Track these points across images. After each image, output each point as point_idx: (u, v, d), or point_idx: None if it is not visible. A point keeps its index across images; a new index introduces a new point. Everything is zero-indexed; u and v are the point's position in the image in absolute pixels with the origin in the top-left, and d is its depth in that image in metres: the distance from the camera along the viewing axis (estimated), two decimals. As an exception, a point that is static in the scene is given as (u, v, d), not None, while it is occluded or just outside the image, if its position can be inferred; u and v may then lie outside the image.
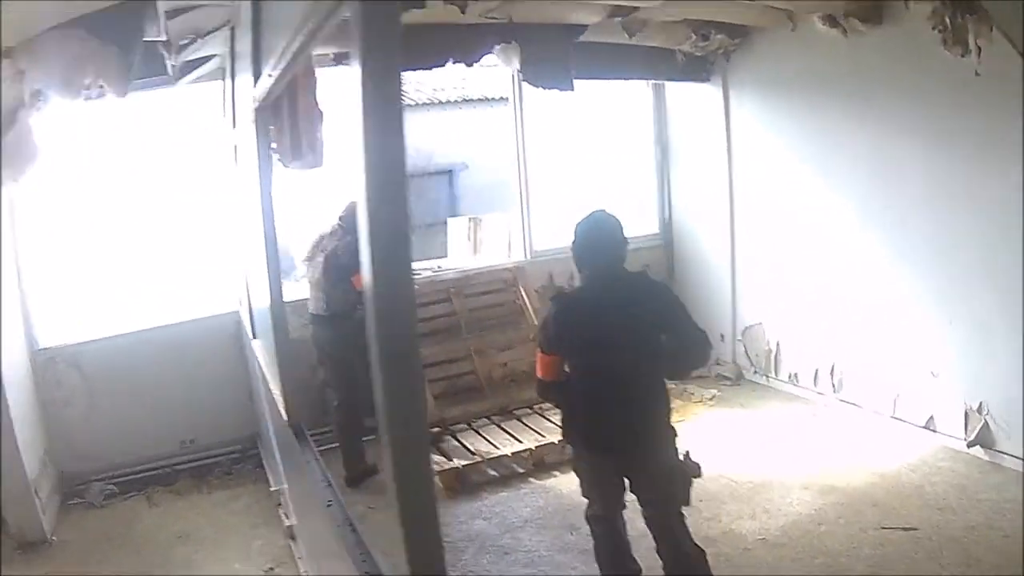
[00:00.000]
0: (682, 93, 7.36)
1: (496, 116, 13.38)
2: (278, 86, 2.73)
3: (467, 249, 11.60)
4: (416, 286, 5.77)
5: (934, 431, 5.31)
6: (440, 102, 17.67)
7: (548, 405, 5.10)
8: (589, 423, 3.45)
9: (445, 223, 13.78)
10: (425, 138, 17.11)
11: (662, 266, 7.67)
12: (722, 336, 7.16)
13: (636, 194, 7.97)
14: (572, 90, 6.08)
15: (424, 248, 15.72)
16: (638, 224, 7.76)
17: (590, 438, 3.48)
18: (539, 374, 3.52)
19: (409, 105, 17.50)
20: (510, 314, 6.67)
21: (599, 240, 3.45)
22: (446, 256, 12.17)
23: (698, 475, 3.41)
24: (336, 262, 5.17)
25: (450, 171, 18.13)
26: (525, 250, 7.10)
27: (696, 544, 3.46)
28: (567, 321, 3.43)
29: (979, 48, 4.43)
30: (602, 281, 3.44)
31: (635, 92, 7.65)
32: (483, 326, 6.53)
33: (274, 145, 3.92)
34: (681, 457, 3.41)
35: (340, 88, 4.96)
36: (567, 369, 3.48)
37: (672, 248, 7.74)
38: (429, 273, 6.84)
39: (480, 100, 17.37)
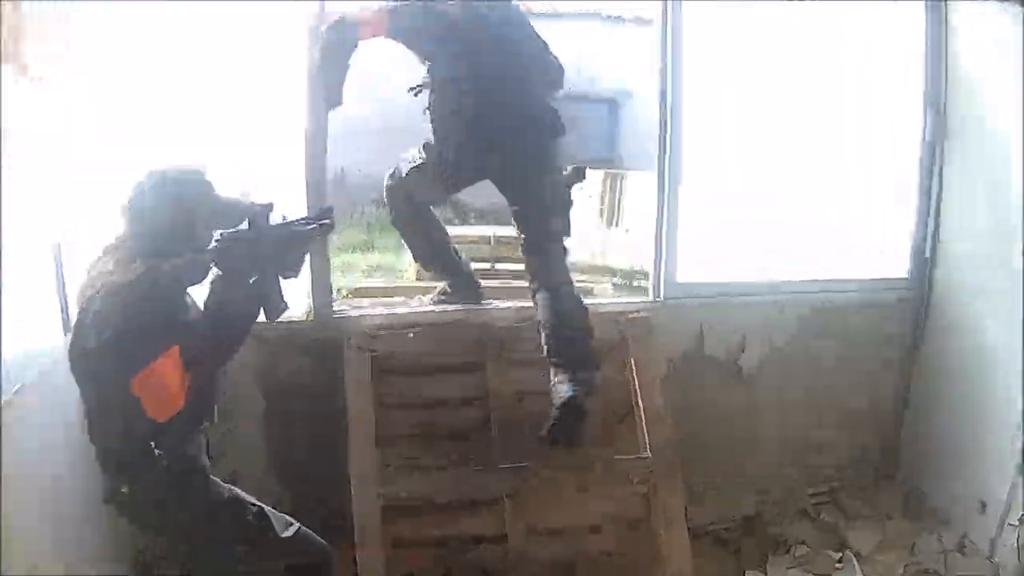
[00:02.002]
0: (984, 20, 3.77)
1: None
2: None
3: (596, 220, 8.35)
4: (412, 333, 3.28)
5: None
6: (611, 16, 14.17)
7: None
8: None
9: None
10: (589, 56, 13.79)
11: (899, 335, 4.20)
12: (982, 505, 3.77)
13: (870, 198, 4.38)
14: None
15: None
16: (863, 257, 4.26)
17: None
18: None
19: (568, 15, 14.24)
20: (598, 418, 3.35)
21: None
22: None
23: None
24: (85, 338, 2.07)
25: (611, 100, 14.78)
26: (657, 281, 3.73)
27: None
28: None
29: None
30: None
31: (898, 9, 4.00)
32: (538, 438, 3.15)
33: None
34: None
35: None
36: None
37: (927, 308, 4.13)
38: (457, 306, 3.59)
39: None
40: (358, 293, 4.03)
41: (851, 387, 4.21)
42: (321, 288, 3.17)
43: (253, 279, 2.26)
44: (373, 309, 3.38)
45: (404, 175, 3.26)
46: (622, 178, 8.09)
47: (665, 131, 3.65)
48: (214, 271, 2.21)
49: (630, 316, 3.48)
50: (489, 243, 7.30)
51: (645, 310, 3.59)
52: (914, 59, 4.04)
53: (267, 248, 2.25)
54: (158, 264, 2.09)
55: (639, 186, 7.75)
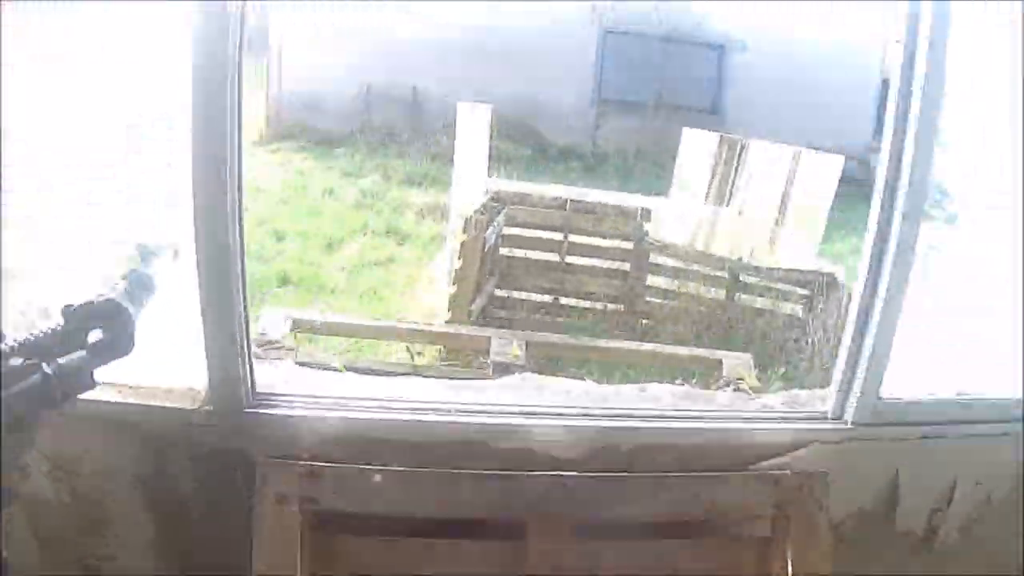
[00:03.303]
0: None
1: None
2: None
3: (705, 191, 7.11)
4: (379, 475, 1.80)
5: None
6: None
7: None
8: None
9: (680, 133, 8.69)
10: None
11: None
12: None
13: None
14: None
15: (645, 157, 10.63)
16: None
17: None
18: None
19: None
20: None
21: None
22: (666, 194, 7.58)
23: None
24: None
25: (720, 47, 13.24)
26: (846, 393, 2.02)
27: None
28: None
29: None
30: None
31: None
32: None
33: None
34: None
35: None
36: None
37: None
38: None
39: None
40: (303, 328, 2.47)
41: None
42: (222, 349, 1.62)
43: None
44: (327, 390, 1.82)
45: None
46: (742, 147, 6.51)
47: (906, 103, 1.84)
48: None
49: (789, 466, 1.92)
50: (563, 208, 5.74)
51: (818, 448, 2.01)
52: None
53: None
54: None
55: (762, 158, 6.39)
